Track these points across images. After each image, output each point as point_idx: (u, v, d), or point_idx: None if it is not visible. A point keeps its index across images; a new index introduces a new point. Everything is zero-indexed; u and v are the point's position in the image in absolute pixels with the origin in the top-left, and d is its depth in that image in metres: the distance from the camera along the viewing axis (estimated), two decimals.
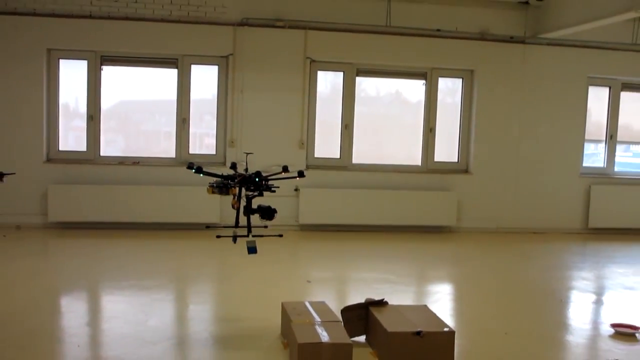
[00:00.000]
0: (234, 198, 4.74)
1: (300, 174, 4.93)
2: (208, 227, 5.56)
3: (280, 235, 5.14)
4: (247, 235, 4.84)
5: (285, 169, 4.90)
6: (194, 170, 4.72)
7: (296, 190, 9.04)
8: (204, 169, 4.77)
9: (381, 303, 4.67)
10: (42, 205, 8.63)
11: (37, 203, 8.64)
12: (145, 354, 4.26)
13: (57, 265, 7.08)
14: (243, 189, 4.74)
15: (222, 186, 4.79)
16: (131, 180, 8.81)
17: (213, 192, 4.86)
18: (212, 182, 4.86)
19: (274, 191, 4.84)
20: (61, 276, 6.44)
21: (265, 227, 4.96)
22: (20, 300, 5.47)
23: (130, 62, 9.07)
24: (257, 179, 4.75)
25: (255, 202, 4.78)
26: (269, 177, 4.82)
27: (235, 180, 4.73)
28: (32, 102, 8.65)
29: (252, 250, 4.82)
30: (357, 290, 6.32)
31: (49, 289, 5.92)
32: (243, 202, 4.77)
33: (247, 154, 5.15)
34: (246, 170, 4.84)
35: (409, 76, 9.72)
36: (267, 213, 4.76)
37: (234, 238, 4.89)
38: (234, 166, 5.05)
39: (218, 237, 4.95)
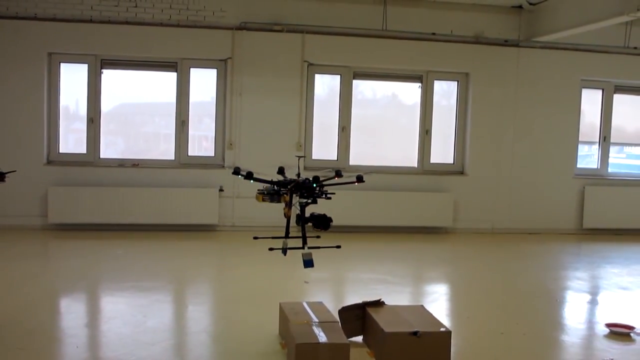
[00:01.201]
0: (286, 206, 4.35)
1: (360, 179, 4.46)
2: (256, 238, 4.86)
3: (339, 247, 4.74)
4: (303, 247, 4.41)
5: (338, 173, 4.46)
6: (243, 176, 4.33)
7: None
8: (254, 175, 4.35)
9: (378, 303, 4.67)
10: (42, 206, 8.67)
11: (37, 205, 8.69)
12: (144, 355, 4.28)
13: (57, 266, 7.13)
14: (295, 196, 4.33)
15: (274, 193, 4.41)
16: (131, 182, 8.87)
17: (263, 200, 4.46)
18: (262, 188, 4.47)
19: (330, 198, 4.47)
20: (60, 277, 6.48)
21: (318, 237, 4.56)
22: (19, 301, 5.50)
23: (130, 66, 9.14)
24: (314, 185, 4.34)
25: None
26: (326, 183, 4.39)
27: (289, 187, 4.33)
28: (33, 104, 8.70)
29: (308, 263, 4.38)
30: (355, 291, 6.38)
31: (48, 290, 5.96)
32: (295, 210, 4.36)
33: (299, 157, 4.81)
34: (298, 175, 4.46)
35: (405, 79, 9.80)
36: (322, 222, 4.36)
37: (284, 250, 4.48)
38: (281, 171, 4.65)
39: (270, 249, 4.59)
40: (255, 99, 9.14)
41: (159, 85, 9.27)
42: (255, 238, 4.93)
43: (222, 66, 9.14)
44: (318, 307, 4.65)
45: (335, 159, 9.57)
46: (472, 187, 9.77)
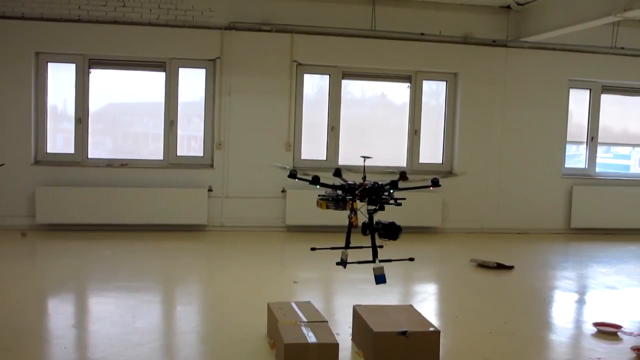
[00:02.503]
0: (352, 214, 3.93)
1: (435, 183, 4.01)
2: (313, 249, 4.58)
3: (412, 259, 4.39)
4: (373, 260, 3.96)
5: (403, 175, 4.02)
6: (308, 182, 3.89)
7: (283, 191, 9.11)
8: (321, 180, 4.00)
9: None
10: (29, 207, 8.61)
11: (24, 205, 8.63)
12: (133, 356, 4.26)
13: (44, 266, 7.08)
14: (359, 202, 3.91)
15: (340, 199, 4.05)
16: (119, 182, 8.82)
17: (327, 207, 4.09)
18: (324, 194, 4.08)
19: (400, 204, 4.01)
20: (48, 278, 6.44)
21: (381, 246, 4.16)
22: (7, 302, 5.47)
23: (119, 65, 9.09)
24: (391, 191, 3.88)
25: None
26: (402, 188, 3.89)
27: (357, 192, 3.93)
28: (20, 104, 8.64)
29: (380, 279, 3.99)
30: (343, 291, 6.39)
31: (36, 290, 5.92)
32: (361, 218, 3.92)
33: (365, 157, 4.31)
34: (364, 178, 4.11)
35: (393, 79, 9.82)
36: (391, 231, 3.92)
37: (344, 263, 4.06)
38: (338, 173, 4.24)
39: (338, 264, 4.26)
40: (244, 99, 9.12)
41: (148, 85, 9.23)
42: (312, 249, 4.73)
43: (211, 66, 9.12)
44: (306, 307, 4.64)
45: (325, 158, 9.57)
46: (461, 187, 9.78)
